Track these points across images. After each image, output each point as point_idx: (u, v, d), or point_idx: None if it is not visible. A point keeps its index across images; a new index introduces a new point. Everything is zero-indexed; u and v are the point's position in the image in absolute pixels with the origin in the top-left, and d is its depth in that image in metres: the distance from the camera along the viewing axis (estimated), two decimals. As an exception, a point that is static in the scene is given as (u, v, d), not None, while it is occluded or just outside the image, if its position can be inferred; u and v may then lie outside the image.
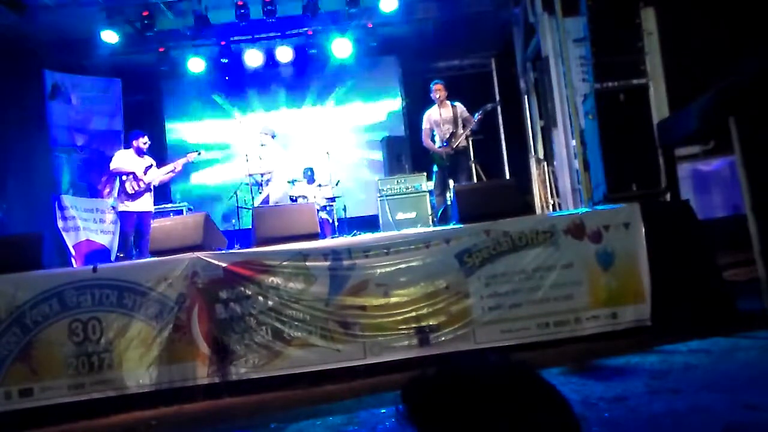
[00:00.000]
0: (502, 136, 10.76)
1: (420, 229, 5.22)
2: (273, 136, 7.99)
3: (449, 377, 0.90)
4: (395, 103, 10.33)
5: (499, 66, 11.04)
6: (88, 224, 8.56)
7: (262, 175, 7.75)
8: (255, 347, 4.37)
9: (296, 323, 4.41)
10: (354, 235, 5.43)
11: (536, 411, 0.85)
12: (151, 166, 7.00)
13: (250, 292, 4.44)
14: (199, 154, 7.30)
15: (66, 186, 8.54)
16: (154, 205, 7.25)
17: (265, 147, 7.88)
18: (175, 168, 7.13)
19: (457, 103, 6.92)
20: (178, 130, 10.22)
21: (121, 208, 6.89)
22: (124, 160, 6.92)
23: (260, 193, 7.75)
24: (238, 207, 7.98)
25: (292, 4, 8.62)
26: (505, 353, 4.21)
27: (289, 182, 8.18)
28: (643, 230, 4.61)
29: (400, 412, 0.88)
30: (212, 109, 10.25)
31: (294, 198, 8.01)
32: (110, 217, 8.57)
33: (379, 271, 4.49)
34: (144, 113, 9.73)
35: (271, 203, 7.54)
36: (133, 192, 6.82)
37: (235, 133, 9.73)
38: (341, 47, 9.50)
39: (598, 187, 5.51)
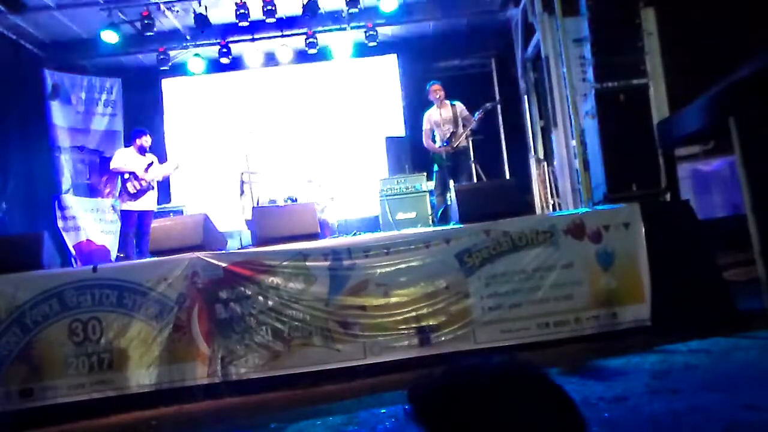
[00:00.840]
0: (502, 136, 10.74)
1: (420, 229, 5.22)
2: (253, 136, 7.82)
3: (456, 377, 0.90)
4: (395, 103, 10.33)
5: (499, 66, 11.02)
6: (89, 224, 8.56)
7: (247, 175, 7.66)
8: (255, 347, 4.37)
9: (296, 323, 4.41)
10: (354, 235, 5.42)
11: (543, 411, 0.85)
12: (152, 163, 7.01)
13: (250, 292, 4.44)
14: (199, 153, 7.29)
15: (66, 186, 8.54)
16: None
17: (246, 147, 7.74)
18: (178, 165, 7.14)
19: (457, 103, 6.92)
20: (178, 130, 10.21)
21: (123, 207, 6.91)
22: (124, 159, 6.93)
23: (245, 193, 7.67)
24: None
25: (292, 4, 8.62)
26: (512, 353, 4.22)
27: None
28: (643, 230, 4.61)
29: (407, 412, 0.88)
30: (211, 109, 10.24)
31: (294, 198, 8.01)
32: (111, 217, 8.57)
33: (379, 271, 4.49)
34: (144, 113, 9.72)
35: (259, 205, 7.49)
36: (135, 191, 6.83)
37: (234, 133, 9.72)
38: (341, 47, 9.50)
39: (598, 187, 5.51)
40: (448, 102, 6.91)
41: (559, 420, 0.86)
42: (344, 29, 9.33)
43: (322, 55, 9.70)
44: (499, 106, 10.07)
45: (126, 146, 7.50)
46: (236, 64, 9.71)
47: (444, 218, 6.54)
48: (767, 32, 5.75)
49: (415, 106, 8.89)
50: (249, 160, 7.63)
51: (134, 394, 4.27)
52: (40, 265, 4.59)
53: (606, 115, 5.27)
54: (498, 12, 9.57)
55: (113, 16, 8.33)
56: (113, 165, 6.96)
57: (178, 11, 8.60)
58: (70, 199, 8.47)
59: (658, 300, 4.51)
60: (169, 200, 8.94)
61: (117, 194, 7.97)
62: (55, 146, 8.54)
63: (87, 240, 8.46)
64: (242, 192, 7.59)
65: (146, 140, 7.01)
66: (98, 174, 8.74)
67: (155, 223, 5.29)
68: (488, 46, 10.72)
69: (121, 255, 7.33)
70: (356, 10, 8.58)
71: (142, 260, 5.39)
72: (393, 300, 4.46)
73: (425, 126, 6.99)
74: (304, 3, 8.50)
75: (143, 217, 6.88)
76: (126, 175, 6.86)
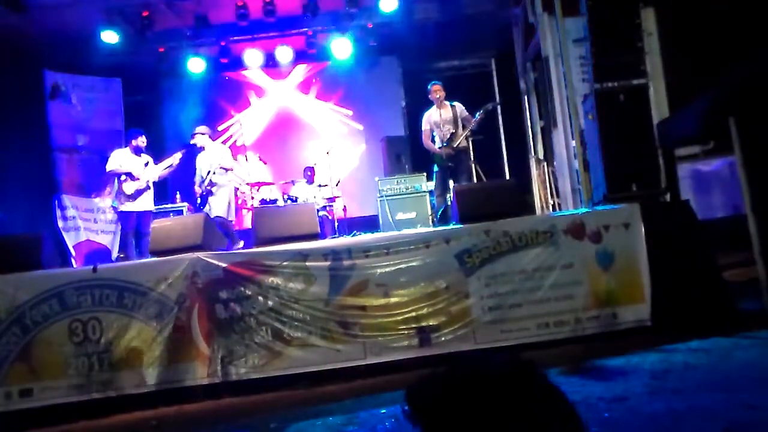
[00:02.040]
0: (502, 137, 10.76)
1: (420, 229, 5.22)
2: (210, 137, 7.47)
3: (454, 378, 0.90)
4: (395, 103, 10.33)
5: (499, 66, 11.04)
6: (89, 224, 8.57)
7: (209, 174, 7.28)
8: (255, 347, 4.37)
9: (296, 323, 4.40)
10: (354, 235, 5.42)
11: (541, 411, 0.85)
12: (148, 163, 7.00)
13: (250, 293, 4.43)
14: (196, 145, 7.24)
15: (66, 186, 8.54)
16: (154, 204, 7.25)
17: (203, 151, 7.36)
18: (172, 162, 7.11)
19: (456, 103, 6.92)
20: (178, 131, 10.20)
21: (121, 208, 6.91)
22: (120, 160, 6.93)
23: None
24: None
25: (292, 4, 8.62)
26: (512, 353, 4.22)
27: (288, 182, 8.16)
28: (643, 230, 4.61)
29: (405, 413, 0.88)
30: (212, 109, 10.24)
31: (294, 198, 8.02)
32: (110, 217, 8.58)
33: (379, 271, 4.48)
34: (144, 113, 9.73)
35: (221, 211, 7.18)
36: (132, 192, 6.83)
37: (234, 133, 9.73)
38: (341, 47, 9.51)
39: (598, 188, 5.51)
40: (447, 103, 6.90)
41: (556, 421, 0.86)
42: (344, 29, 9.34)
43: (322, 55, 9.70)
44: (499, 107, 10.08)
45: (123, 146, 7.50)
46: (236, 64, 9.71)
47: (444, 218, 6.54)
48: (767, 32, 5.76)
49: (415, 106, 8.89)
50: (249, 160, 7.62)
51: (134, 394, 4.26)
52: (39, 265, 4.59)
53: (606, 115, 5.26)
54: (498, 12, 9.57)
55: (113, 15, 8.34)
56: (109, 166, 6.95)
57: (178, 11, 8.60)
58: (70, 199, 8.48)
59: (658, 300, 4.50)
60: (169, 200, 8.92)
61: (114, 195, 7.97)
62: (55, 146, 8.55)
63: (87, 240, 8.47)
64: (210, 194, 7.22)
65: (142, 141, 7.00)
66: (98, 174, 8.74)
67: (155, 223, 5.29)
68: (488, 46, 10.74)
69: (121, 255, 7.33)
70: (356, 10, 8.59)
71: (142, 260, 5.39)
72: (393, 300, 4.45)
73: (425, 126, 6.98)
74: (304, 3, 8.51)
75: (142, 217, 6.88)
76: (122, 177, 6.85)
